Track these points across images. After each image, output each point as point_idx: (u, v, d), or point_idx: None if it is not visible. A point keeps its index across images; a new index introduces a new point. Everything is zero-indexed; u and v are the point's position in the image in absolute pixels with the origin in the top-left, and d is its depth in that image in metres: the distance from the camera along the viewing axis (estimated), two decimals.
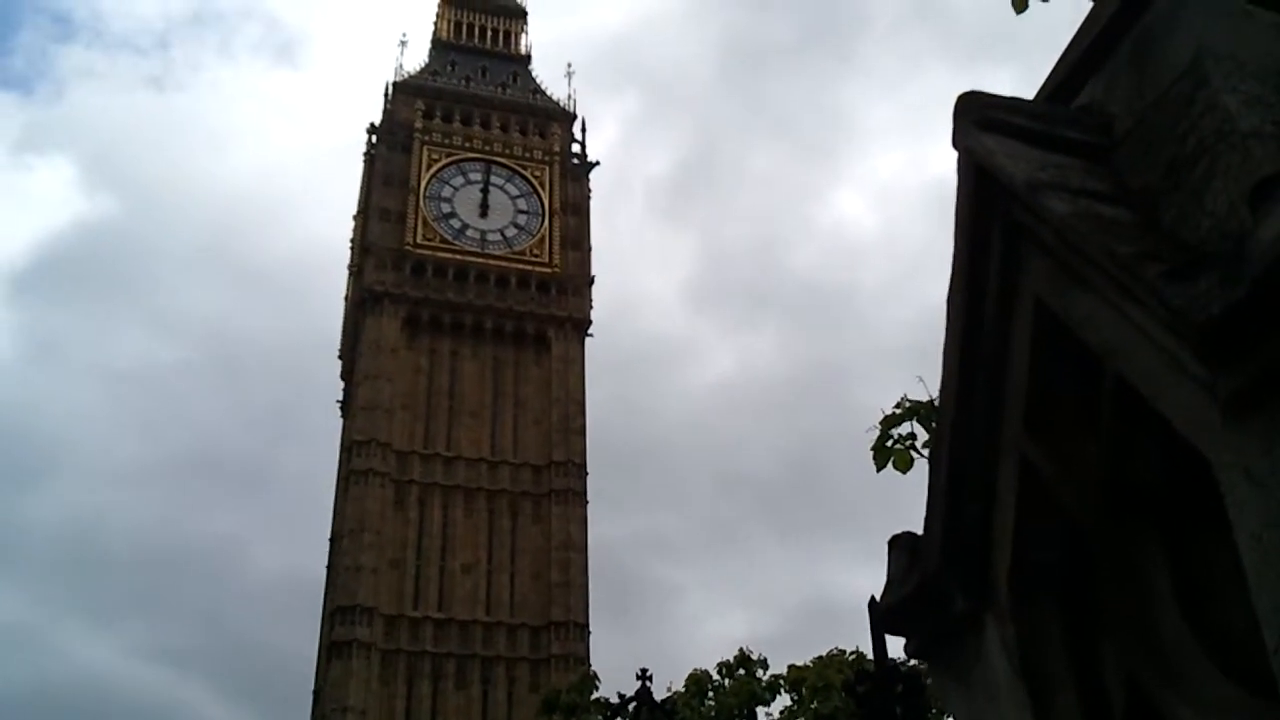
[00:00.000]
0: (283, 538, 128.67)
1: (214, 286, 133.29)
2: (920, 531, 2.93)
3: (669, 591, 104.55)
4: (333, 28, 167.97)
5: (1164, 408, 2.16)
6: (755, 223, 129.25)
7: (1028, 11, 4.66)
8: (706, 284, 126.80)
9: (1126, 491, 2.38)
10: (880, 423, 10.73)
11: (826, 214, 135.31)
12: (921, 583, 2.83)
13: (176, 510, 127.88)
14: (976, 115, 2.77)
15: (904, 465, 9.43)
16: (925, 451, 10.18)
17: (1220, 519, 2.07)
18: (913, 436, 10.31)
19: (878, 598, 3.26)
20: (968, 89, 2.92)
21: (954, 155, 2.84)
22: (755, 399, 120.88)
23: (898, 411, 11.01)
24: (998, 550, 2.65)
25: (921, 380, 10.71)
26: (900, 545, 2.94)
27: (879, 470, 10.22)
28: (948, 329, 2.76)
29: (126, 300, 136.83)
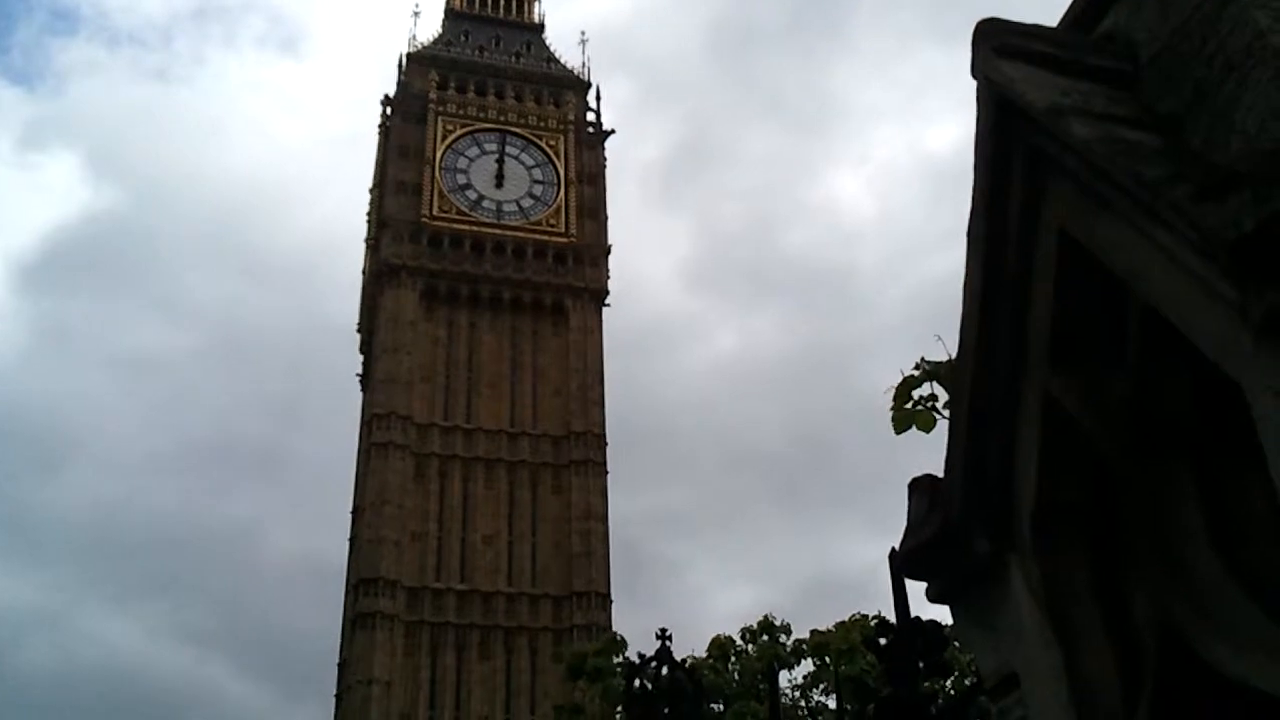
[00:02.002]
0: (299, 519, 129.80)
1: (223, 274, 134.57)
2: (940, 475, 2.85)
3: (676, 566, 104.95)
4: (335, 19, 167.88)
5: (1194, 333, 2.08)
6: (752, 205, 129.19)
7: None
8: (705, 266, 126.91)
9: (1156, 425, 2.29)
10: (898, 385, 10.63)
11: (822, 194, 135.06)
12: (942, 526, 2.75)
13: (193, 495, 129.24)
14: (996, 42, 2.67)
15: (927, 426, 9.31)
16: (947, 413, 10.08)
17: (1256, 451, 2.00)
18: (934, 398, 10.21)
19: (897, 549, 3.18)
20: (987, 16, 2.83)
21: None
22: (758, 377, 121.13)
23: (916, 374, 10.91)
24: (1021, 489, 2.57)
25: (940, 339, 10.60)
26: (920, 488, 2.86)
27: (898, 433, 10.10)
28: (968, 262, 2.67)
29: (137, 289, 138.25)
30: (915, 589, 3.73)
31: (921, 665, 4.36)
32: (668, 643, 7.07)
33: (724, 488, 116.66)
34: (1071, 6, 3.07)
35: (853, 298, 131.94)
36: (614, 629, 52.14)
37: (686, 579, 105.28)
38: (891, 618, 4.81)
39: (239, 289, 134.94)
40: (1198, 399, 2.24)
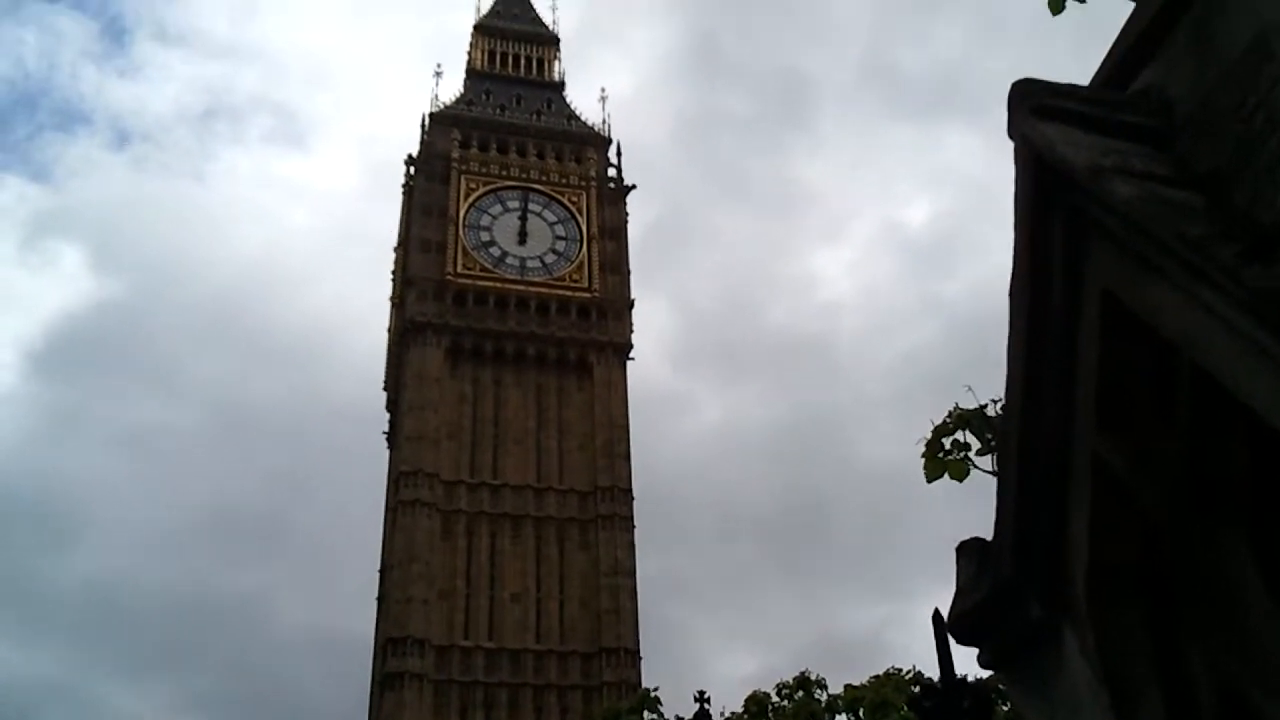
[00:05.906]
0: (309, 589, 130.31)
1: (225, 356, 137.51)
2: (989, 539, 2.82)
3: (681, 629, 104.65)
4: (344, 108, 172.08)
5: (1246, 395, 2.06)
6: (729, 283, 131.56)
7: (1062, 13, 4.54)
8: (686, 341, 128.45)
9: (1209, 486, 2.26)
10: (931, 433, 10.55)
11: (799, 272, 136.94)
12: (993, 590, 2.71)
13: (200, 568, 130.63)
14: (1032, 103, 2.67)
15: (960, 474, 9.25)
16: (978, 461, 10.01)
17: None
18: (966, 446, 10.12)
19: (943, 611, 3.14)
20: (1022, 77, 2.82)
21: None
22: (744, 447, 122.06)
23: (949, 422, 10.83)
24: (1074, 553, 2.54)
25: (970, 390, 10.54)
26: (968, 552, 2.83)
27: (930, 481, 10.02)
28: (1011, 326, 2.66)
29: (139, 371, 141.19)
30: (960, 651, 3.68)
31: None
32: (706, 705, 7.00)
33: (720, 554, 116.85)
34: (1105, 64, 3.07)
35: (833, 370, 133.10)
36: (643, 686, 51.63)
37: (689, 643, 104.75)
38: (916, 674, 4.74)
39: (241, 368, 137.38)
40: (1252, 457, 2.21)
